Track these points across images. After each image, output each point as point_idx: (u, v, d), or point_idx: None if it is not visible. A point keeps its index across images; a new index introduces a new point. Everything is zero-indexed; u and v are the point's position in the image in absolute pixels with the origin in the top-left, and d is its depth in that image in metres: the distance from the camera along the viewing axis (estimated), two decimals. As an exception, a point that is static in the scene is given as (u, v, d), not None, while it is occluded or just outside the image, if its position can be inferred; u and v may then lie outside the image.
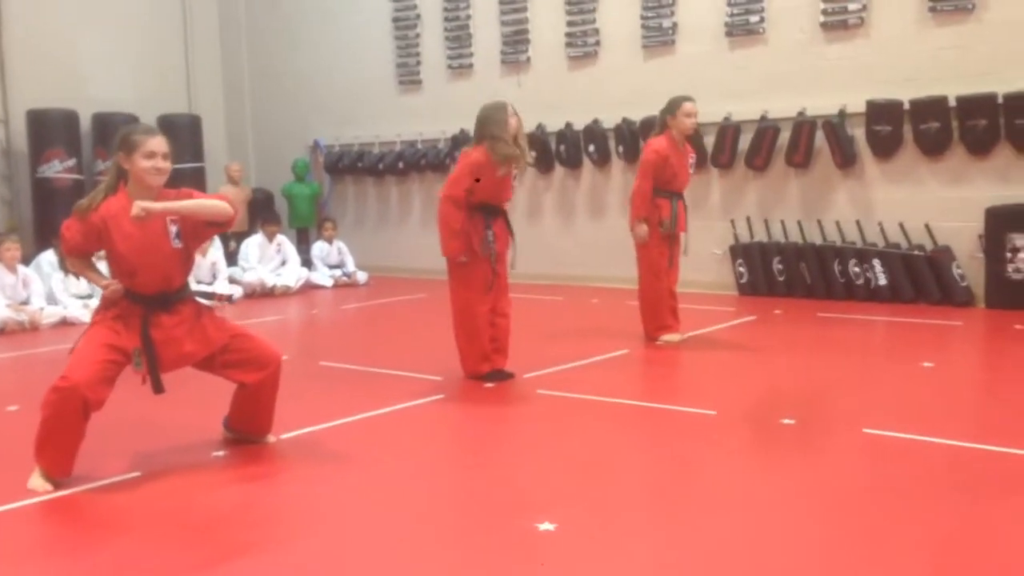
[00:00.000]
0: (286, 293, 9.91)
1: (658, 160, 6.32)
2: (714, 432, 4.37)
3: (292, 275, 10.17)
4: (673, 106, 6.42)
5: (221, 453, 4.20)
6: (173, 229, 3.93)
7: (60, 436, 3.73)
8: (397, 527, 3.32)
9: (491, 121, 5.33)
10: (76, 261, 4.12)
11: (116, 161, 3.95)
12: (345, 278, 10.64)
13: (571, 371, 5.72)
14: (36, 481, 3.75)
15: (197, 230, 4.02)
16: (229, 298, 9.12)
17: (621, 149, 9.58)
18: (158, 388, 3.94)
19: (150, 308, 3.91)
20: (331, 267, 10.78)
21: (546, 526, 3.21)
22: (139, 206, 3.73)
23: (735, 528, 3.19)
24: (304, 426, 4.55)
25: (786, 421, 4.43)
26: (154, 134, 3.94)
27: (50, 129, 10.53)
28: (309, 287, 10.32)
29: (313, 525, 3.33)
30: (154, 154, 3.86)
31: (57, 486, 3.73)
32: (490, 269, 5.36)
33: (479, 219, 5.34)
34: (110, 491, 3.73)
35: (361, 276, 10.71)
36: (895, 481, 3.60)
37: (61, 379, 3.69)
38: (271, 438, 4.34)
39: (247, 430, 4.32)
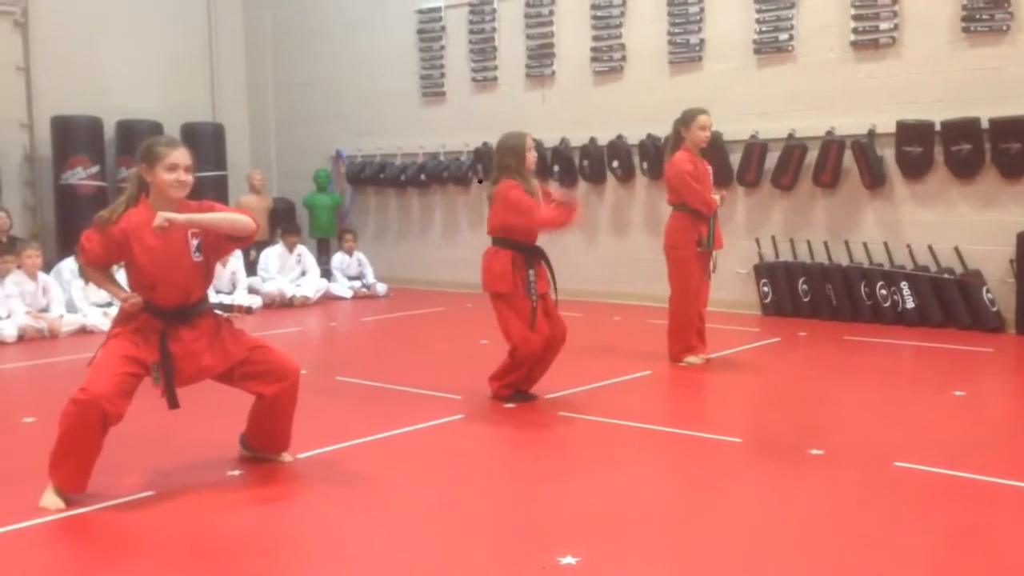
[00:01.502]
0: (305, 304, 9.86)
1: (691, 169, 6.21)
2: (740, 461, 4.26)
3: (311, 286, 10.13)
4: (688, 118, 6.31)
5: (237, 472, 4.13)
6: (194, 243, 3.88)
7: (78, 450, 3.68)
8: (416, 558, 3.23)
9: (511, 152, 5.23)
10: (95, 273, 4.09)
11: (138, 172, 3.90)
12: (365, 290, 10.59)
13: (593, 392, 5.62)
14: (49, 499, 3.69)
15: (219, 244, 3.97)
16: (248, 310, 9.08)
17: (645, 165, 9.48)
18: (173, 403, 3.89)
19: (169, 322, 3.86)
20: (351, 278, 10.74)
21: (568, 560, 3.11)
22: (162, 217, 3.68)
23: (761, 563, 3.08)
24: (321, 446, 4.47)
25: (814, 452, 4.31)
26: (177, 146, 3.90)
27: (74, 136, 10.56)
28: (328, 298, 10.27)
29: (330, 553, 3.24)
30: (176, 167, 3.82)
31: (69, 503, 3.67)
32: (531, 306, 5.18)
33: (520, 261, 5.19)
34: (123, 510, 3.67)
35: (381, 288, 10.65)
36: (928, 519, 3.48)
37: (80, 391, 3.63)
38: (288, 457, 4.27)
39: (264, 447, 4.25)
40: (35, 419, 5.08)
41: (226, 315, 4.21)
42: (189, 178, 3.87)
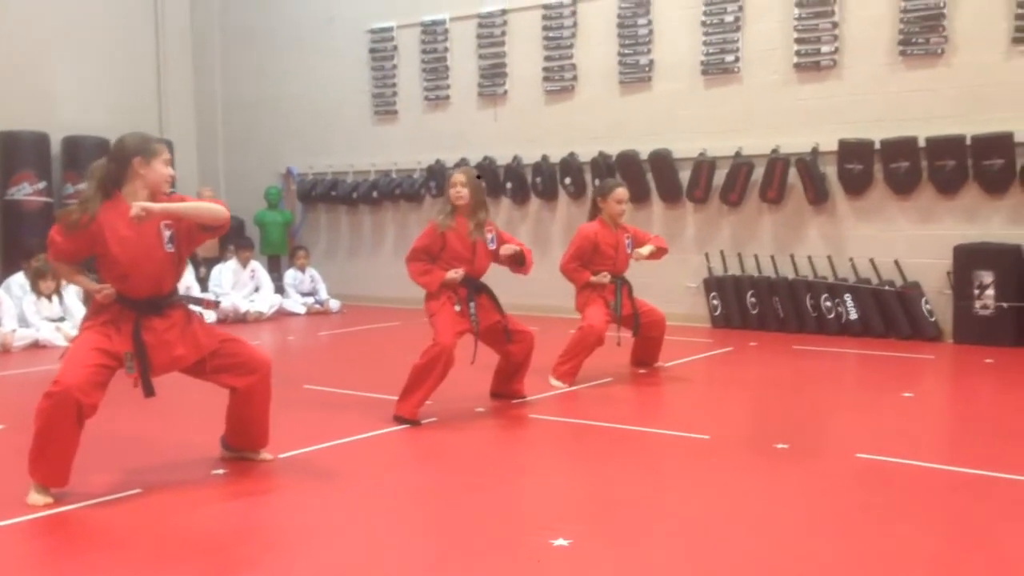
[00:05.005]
0: (259, 319, 9.83)
1: (586, 244, 6.25)
2: (710, 455, 4.42)
3: (266, 302, 10.11)
4: (605, 190, 6.37)
5: (220, 471, 4.15)
6: (167, 234, 3.93)
7: (55, 444, 3.67)
8: (404, 543, 3.31)
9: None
10: (64, 267, 4.09)
11: (107, 167, 3.91)
12: (318, 306, 10.60)
13: (560, 397, 5.75)
14: (34, 497, 3.68)
15: (192, 234, 4.01)
16: (217, 304, 9.02)
17: (597, 182, 9.68)
18: (149, 391, 3.89)
19: (142, 312, 3.89)
20: (304, 295, 10.72)
21: (560, 542, 3.22)
22: (139, 207, 3.71)
23: (739, 544, 3.23)
24: (300, 447, 4.51)
25: (780, 446, 4.49)
26: (163, 144, 3.97)
27: (20, 151, 10.40)
28: (281, 314, 10.25)
29: (319, 542, 3.30)
30: (169, 162, 3.91)
31: (56, 499, 3.66)
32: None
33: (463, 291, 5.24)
34: (110, 506, 3.67)
35: (334, 304, 10.67)
36: (892, 503, 3.68)
37: (53, 384, 3.64)
38: (267, 455, 4.31)
39: (243, 445, 4.28)
40: (4, 426, 5.01)
41: (196, 309, 4.22)
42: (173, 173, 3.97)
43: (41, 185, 10.41)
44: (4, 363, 7.32)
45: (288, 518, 3.63)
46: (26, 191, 10.29)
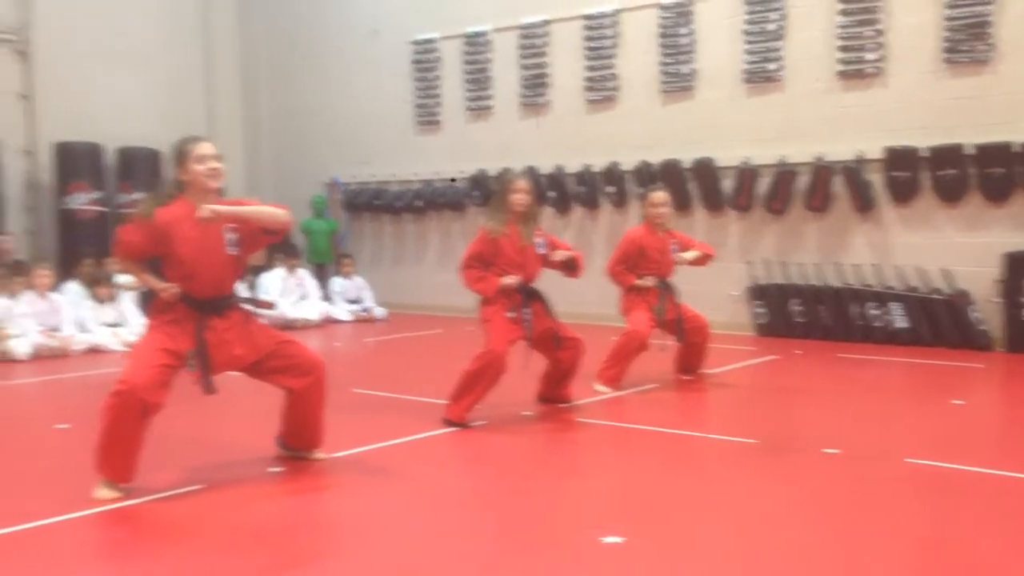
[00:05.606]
0: (307, 326, 9.98)
1: (631, 247, 6.37)
2: (758, 459, 4.45)
3: (313, 309, 10.27)
4: (646, 195, 6.55)
5: (277, 469, 4.26)
6: (230, 236, 4.05)
7: (122, 441, 3.80)
8: (458, 540, 3.38)
9: (496, 196, 5.50)
10: (132, 265, 4.21)
11: (175, 175, 4.07)
12: (364, 313, 10.74)
13: (606, 402, 5.80)
14: (102, 492, 3.81)
15: (254, 237, 4.13)
16: (271, 305, 9.17)
17: (641, 191, 9.73)
18: (209, 389, 4.01)
19: (204, 312, 4.01)
20: (349, 302, 10.88)
21: (612, 539, 3.27)
22: (207, 209, 3.85)
23: (791, 543, 3.26)
24: (352, 447, 4.62)
25: (829, 451, 4.50)
26: (199, 139, 4.10)
27: (75, 162, 10.68)
28: (328, 321, 10.40)
29: (376, 537, 3.38)
30: (205, 157, 4.00)
31: (123, 495, 3.79)
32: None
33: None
34: (174, 501, 3.79)
35: (379, 312, 10.81)
36: (942, 506, 3.68)
37: (120, 383, 3.77)
38: (322, 454, 4.41)
39: (298, 444, 4.39)
40: (70, 425, 5.18)
41: (253, 310, 4.34)
42: (221, 167, 4.04)
43: (96, 195, 10.67)
44: (64, 366, 7.53)
45: (345, 514, 3.73)
46: (81, 201, 10.56)
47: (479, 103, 11.06)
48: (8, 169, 10.46)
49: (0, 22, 10.65)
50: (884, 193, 8.44)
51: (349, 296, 10.95)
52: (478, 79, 11.05)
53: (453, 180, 11.16)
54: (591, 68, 10.14)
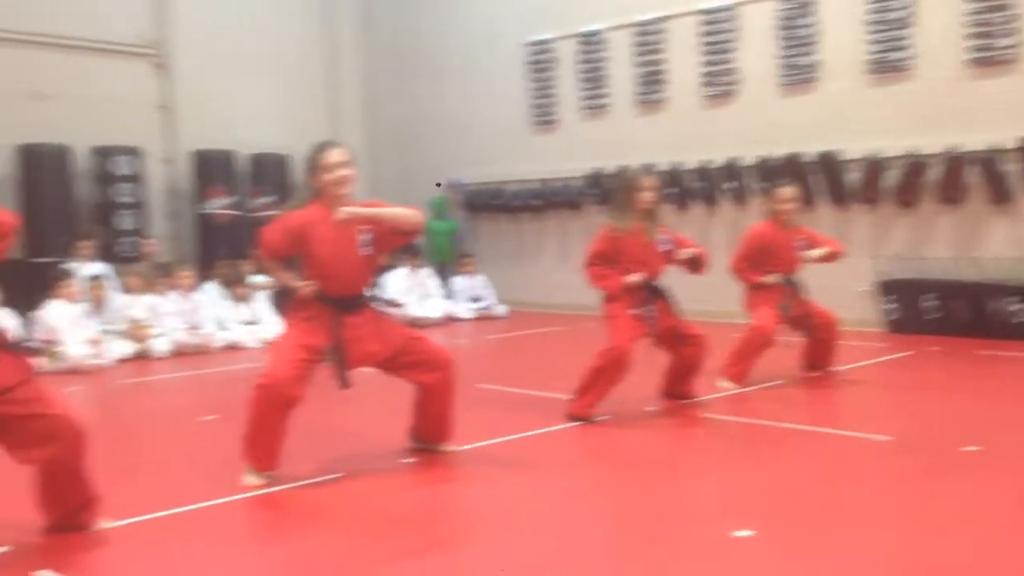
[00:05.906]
0: (429, 324, 10.22)
1: (753, 243, 6.32)
2: (892, 456, 4.35)
3: (436, 307, 10.53)
4: (772, 190, 6.50)
5: (410, 460, 4.42)
6: (363, 238, 4.21)
7: (266, 431, 4.02)
8: (588, 530, 3.46)
9: (619, 191, 5.50)
10: (273, 264, 4.42)
11: (307, 181, 4.28)
12: (485, 311, 10.94)
13: (731, 398, 5.76)
14: (249, 478, 4.04)
15: (387, 238, 4.29)
16: (399, 304, 9.48)
17: (763, 186, 9.58)
18: (346, 384, 4.18)
19: (339, 310, 4.19)
20: (471, 300, 11.11)
21: (743, 532, 3.28)
22: (344, 210, 4.03)
23: (933, 544, 3.20)
24: (480, 440, 4.73)
25: (970, 448, 4.36)
26: (328, 148, 4.26)
27: (211, 169, 11.25)
28: (450, 319, 10.63)
29: (507, 525, 3.49)
30: (333, 165, 4.16)
31: (268, 481, 4.01)
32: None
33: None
34: (316, 488, 4.00)
35: (500, 309, 10.98)
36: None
37: (263, 377, 3.99)
38: (452, 447, 4.54)
39: (429, 437, 4.53)
40: (216, 416, 5.49)
41: (383, 308, 4.52)
42: (350, 172, 4.20)
43: (230, 200, 11.20)
44: (205, 362, 7.96)
45: (476, 503, 3.86)
46: (217, 206, 11.11)
47: (595, 101, 11.09)
48: (151, 177, 11.08)
49: (141, 38, 11.30)
50: (1022, 184, 8.07)
51: (471, 294, 11.17)
52: (593, 78, 11.08)
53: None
54: (709, 63, 10.04)
